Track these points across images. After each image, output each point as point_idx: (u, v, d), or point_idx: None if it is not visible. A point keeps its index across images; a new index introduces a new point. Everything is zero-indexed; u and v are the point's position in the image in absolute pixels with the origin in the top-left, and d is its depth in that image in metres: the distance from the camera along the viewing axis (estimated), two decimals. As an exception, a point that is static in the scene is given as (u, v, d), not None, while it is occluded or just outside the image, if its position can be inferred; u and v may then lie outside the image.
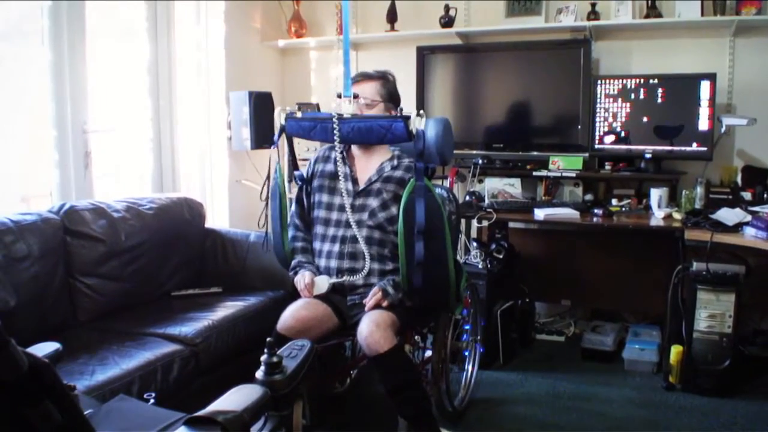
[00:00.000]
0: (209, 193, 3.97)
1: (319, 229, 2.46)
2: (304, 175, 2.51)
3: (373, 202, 2.38)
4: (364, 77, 2.44)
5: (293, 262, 2.47)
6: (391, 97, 2.47)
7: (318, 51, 4.45)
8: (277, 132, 2.30)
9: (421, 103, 3.87)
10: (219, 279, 3.19)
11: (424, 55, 3.87)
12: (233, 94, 3.81)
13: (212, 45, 3.88)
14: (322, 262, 2.43)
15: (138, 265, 2.90)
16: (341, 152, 2.29)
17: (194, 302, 2.90)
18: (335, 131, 2.11)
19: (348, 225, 2.35)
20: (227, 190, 3.98)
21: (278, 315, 2.31)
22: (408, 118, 2.02)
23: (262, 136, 3.78)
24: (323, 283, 2.32)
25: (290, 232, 2.51)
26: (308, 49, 4.46)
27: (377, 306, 2.26)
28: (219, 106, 3.92)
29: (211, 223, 3.63)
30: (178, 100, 3.76)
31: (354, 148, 2.49)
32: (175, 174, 3.79)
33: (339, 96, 2.17)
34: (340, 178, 2.36)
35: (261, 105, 3.76)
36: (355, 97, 2.32)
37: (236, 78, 3.97)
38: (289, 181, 2.44)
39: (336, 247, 2.37)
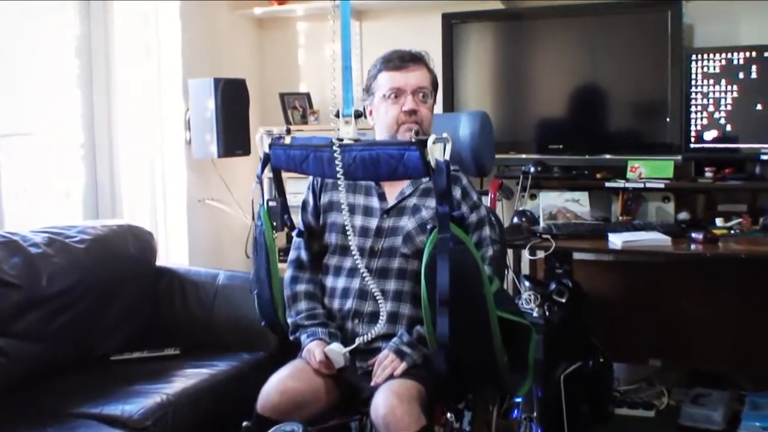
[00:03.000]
0: (162, 218, 3.96)
1: (332, 260, 2.48)
2: (305, 213, 2.55)
3: (409, 223, 2.39)
4: (413, 59, 2.43)
5: (292, 318, 2.46)
6: (437, 86, 2.50)
7: (307, 21, 4.47)
8: (260, 163, 2.31)
9: (449, 93, 3.87)
10: (176, 336, 3.19)
11: (453, 26, 3.87)
12: (193, 82, 3.82)
13: (164, 16, 3.89)
14: (335, 303, 2.44)
15: (65, 318, 2.91)
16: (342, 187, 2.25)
17: (142, 369, 2.89)
18: (337, 162, 2.07)
19: (373, 253, 2.39)
20: (186, 214, 3.98)
21: (257, 387, 2.28)
22: (424, 144, 1.96)
23: (234, 138, 3.79)
24: (338, 356, 2.29)
25: (290, 272, 2.54)
26: (294, 19, 4.48)
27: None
28: (174, 98, 3.93)
29: (164, 259, 3.63)
30: (118, 92, 3.76)
31: None
32: (114, 193, 3.78)
33: (337, 115, 2.13)
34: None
35: (231, 96, 3.77)
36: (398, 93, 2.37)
37: (197, 60, 3.99)
38: (276, 228, 2.41)
39: (355, 283, 2.38)
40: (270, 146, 2.26)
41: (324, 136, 2.28)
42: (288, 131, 2.32)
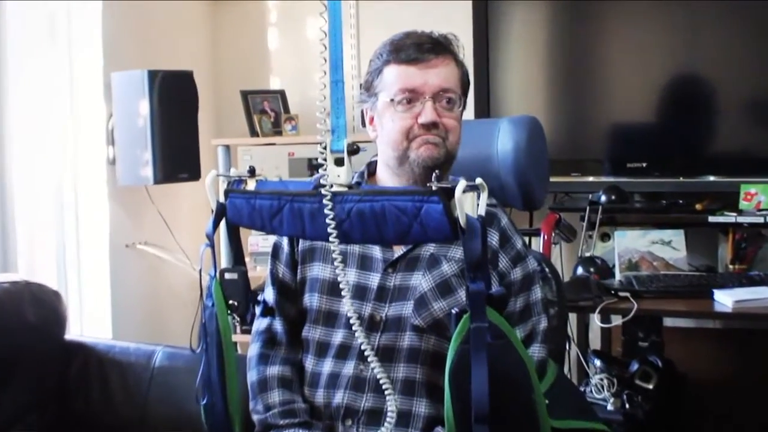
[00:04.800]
0: (74, 272, 3.98)
1: (313, 333, 2.47)
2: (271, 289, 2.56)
3: (423, 282, 2.37)
4: (437, 48, 2.36)
5: (259, 414, 2.45)
6: (468, 86, 2.47)
7: (281, -8, 4.53)
8: (212, 218, 2.31)
9: (483, 92, 3.96)
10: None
11: (488, 3, 3.91)
12: (119, 76, 3.87)
13: (78, -14, 3.90)
14: (318, 396, 2.42)
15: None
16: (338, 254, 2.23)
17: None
18: (328, 215, 2.03)
19: (373, 325, 2.38)
20: (108, 266, 3.99)
21: None
22: (450, 193, 1.95)
23: (177, 156, 3.80)
24: None
25: (256, 348, 2.53)
26: (263, -10, 4.54)
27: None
28: (92, 100, 3.96)
29: (78, 330, 3.64)
30: (11, 91, 3.79)
31: (383, 175, 2.49)
32: (6, 237, 3.80)
33: (323, 150, 2.10)
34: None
35: (174, 96, 3.82)
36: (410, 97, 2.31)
37: (125, 47, 4.05)
38: (234, 310, 2.38)
39: (348, 367, 2.37)
40: (226, 194, 2.26)
41: (303, 181, 2.27)
42: (252, 172, 2.29)
